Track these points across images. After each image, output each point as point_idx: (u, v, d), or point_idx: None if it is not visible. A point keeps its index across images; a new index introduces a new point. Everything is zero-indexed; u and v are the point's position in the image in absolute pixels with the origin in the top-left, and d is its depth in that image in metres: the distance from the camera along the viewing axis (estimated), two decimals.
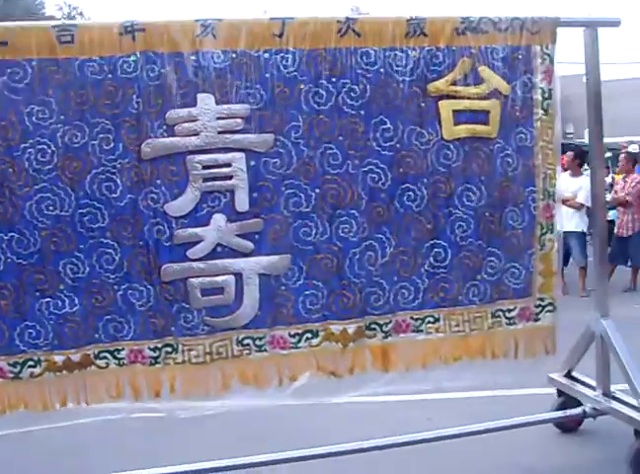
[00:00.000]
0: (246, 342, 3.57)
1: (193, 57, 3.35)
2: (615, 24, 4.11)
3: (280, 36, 3.44)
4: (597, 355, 4.24)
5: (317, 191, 3.54)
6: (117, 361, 3.46)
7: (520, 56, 3.77)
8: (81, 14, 26.36)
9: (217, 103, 3.40)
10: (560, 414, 4.38)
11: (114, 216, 3.35)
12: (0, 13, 23.19)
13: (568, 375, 4.51)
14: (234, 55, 3.39)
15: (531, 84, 3.79)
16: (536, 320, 3.97)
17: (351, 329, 3.67)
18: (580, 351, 4.39)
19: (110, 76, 3.31)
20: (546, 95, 3.83)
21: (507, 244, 3.85)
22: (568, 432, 4.54)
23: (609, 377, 4.24)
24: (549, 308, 3.99)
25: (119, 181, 3.35)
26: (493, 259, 3.85)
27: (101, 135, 3.31)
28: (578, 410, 4.26)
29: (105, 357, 3.45)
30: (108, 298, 3.39)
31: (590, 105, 4.10)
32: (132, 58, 3.31)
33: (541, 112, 3.83)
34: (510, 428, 4.15)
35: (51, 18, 25.61)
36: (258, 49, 3.42)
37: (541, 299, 3.97)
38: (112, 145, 3.33)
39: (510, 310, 3.92)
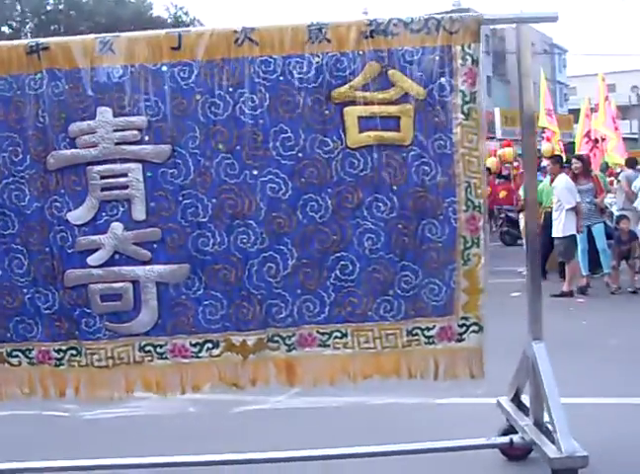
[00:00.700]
0: (147, 348, 3.65)
1: (92, 73, 3.51)
2: (551, 19, 3.73)
3: (178, 48, 3.49)
4: (529, 381, 3.94)
5: (214, 201, 3.55)
6: (28, 360, 3.67)
7: (438, 58, 3.51)
8: (186, 14, 27.17)
9: (115, 115, 3.52)
10: (483, 441, 4.01)
11: (22, 223, 3.57)
12: (110, 16, 24.34)
13: (515, 399, 4.16)
14: (133, 69, 3.50)
15: (451, 87, 3.53)
16: (460, 340, 3.68)
17: (250, 340, 3.63)
18: (522, 374, 4.04)
19: (18, 93, 3.54)
20: (467, 98, 3.54)
21: (424, 258, 3.60)
22: (515, 460, 4.16)
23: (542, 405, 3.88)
24: (474, 328, 3.69)
25: (27, 190, 3.56)
26: (408, 273, 3.61)
27: (10, 148, 3.55)
28: (505, 439, 3.90)
29: (17, 356, 3.68)
30: (17, 300, 3.61)
31: (522, 106, 3.82)
32: (39, 76, 3.53)
33: (461, 116, 3.54)
34: (429, 451, 3.96)
35: (159, 19, 26.62)
36: (156, 63, 3.51)
37: (465, 318, 3.67)
38: (20, 157, 3.56)
39: (428, 328, 3.66)
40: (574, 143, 23.31)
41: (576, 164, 10.71)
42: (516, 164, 27.40)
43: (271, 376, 3.72)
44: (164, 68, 3.50)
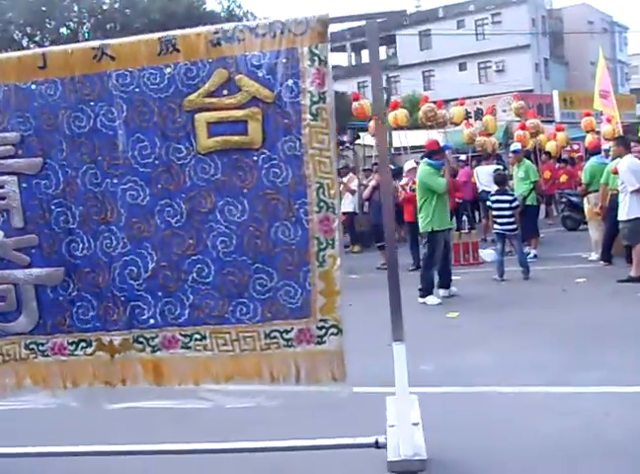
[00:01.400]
0: (31, 346, 3.95)
1: None
2: (400, 14, 3.88)
3: (44, 67, 3.77)
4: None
5: (81, 208, 3.80)
6: None
7: (285, 60, 3.57)
8: (239, 6, 27.32)
9: None
10: (350, 441, 4.06)
11: None
12: (164, 11, 24.62)
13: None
14: (6, 89, 3.80)
15: (298, 89, 3.57)
16: (320, 343, 3.70)
17: (116, 340, 3.84)
18: None
19: None
20: (316, 99, 3.56)
21: (278, 260, 3.65)
22: None
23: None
24: (333, 331, 3.71)
25: None
26: (262, 276, 3.67)
27: None
28: (371, 439, 3.89)
29: None
30: None
31: (375, 103, 3.89)
32: None
33: (309, 117, 3.56)
34: (292, 449, 4.16)
35: (212, 13, 26.83)
36: (26, 82, 3.79)
37: (324, 321, 3.69)
38: None
39: (287, 331, 3.71)
40: (638, 124, 22.79)
41: (635, 147, 10.43)
42: (575, 147, 27.09)
43: (139, 376, 3.89)
44: (33, 86, 3.79)
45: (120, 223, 3.75)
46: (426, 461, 3.50)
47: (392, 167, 18.55)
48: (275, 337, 3.71)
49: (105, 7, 24.66)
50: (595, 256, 11.96)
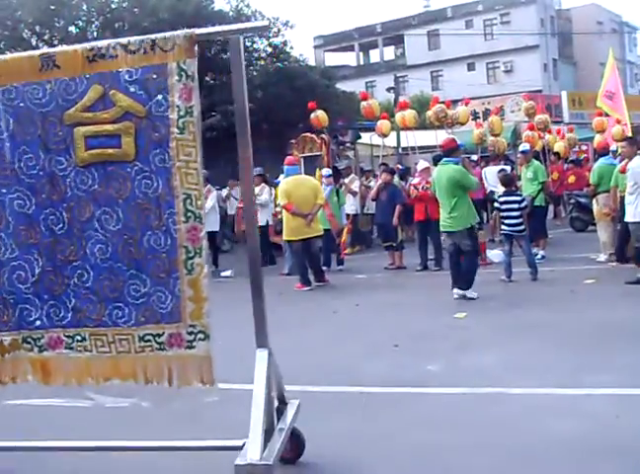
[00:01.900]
0: None
1: None
2: (263, 29, 3.94)
3: None
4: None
5: None
6: None
7: (155, 76, 3.75)
8: (248, 6, 27.24)
9: None
10: (220, 443, 4.15)
11: None
12: (173, 10, 24.60)
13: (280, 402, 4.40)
14: None
15: (167, 103, 3.76)
16: (190, 347, 3.88)
17: (6, 340, 4.09)
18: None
19: None
20: (183, 113, 3.74)
21: (150, 267, 3.87)
22: (290, 463, 4.35)
23: (273, 414, 4.11)
24: (201, 336, 3.86)
25: None
26: (136, 282, 3.88)
27: None
28: (239, 442, 3.86)
29: None
30: None
31: (238, 114, 3.96)
32: None
33: (176, 131, 3.75)
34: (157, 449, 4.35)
35: (220, 13, 26.80)
36: None
37: (193, 326, 3.87)
38: None
39: (159, 335, 3.90)
40: None
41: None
42: (584, 148, 27.00)
43: (28, 374, 4.13)
44: None
45: (8, 230, 4.01)
46: (271, 466, 3.53)
47: (400, 167, 18.56)
48: (148, 340, 3.92)
49: (113, 6, 24.63)
50: (603, 257, 11.91)
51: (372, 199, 14.43)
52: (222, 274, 13.92)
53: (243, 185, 4.33)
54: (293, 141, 17.54)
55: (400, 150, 27.81)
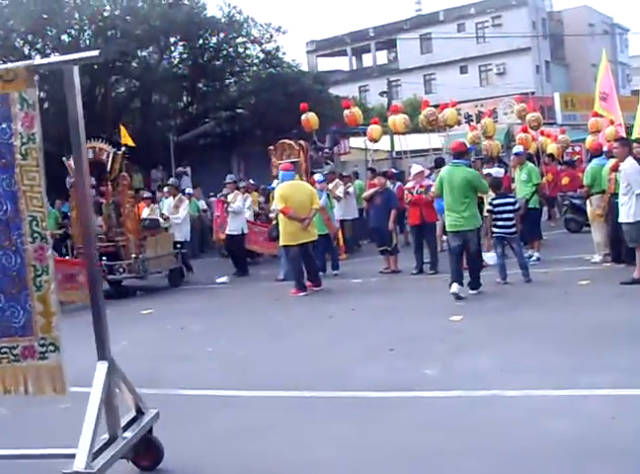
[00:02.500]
0: None
1: None
2: (94, 58, 4.06)
3: None
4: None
5: None
6: None
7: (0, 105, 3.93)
8: (240, 12, 27.26)
9: None
10: (60, 451, 4.25)
11: None
12: (165, 17, 24.62)
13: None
14: None
15: (11, 131, 3.94)
16: (42, 359, 4.12)
17: None
18: None
19: None
20: (25, 140, 3.93)
21: (4, 285, 4.10)
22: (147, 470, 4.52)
23: (118, 421, 4.27)
24: (51, 348, 4.10)
25: None
26: None
27: None
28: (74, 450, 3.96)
29: None
30: None
31: (73, 137, 4.08)
32: None
33: (19, 157, 3.94)
34: None
35: (212, 19, 26.82)
36: None
37: (44, 339, 4.10)
38: None
39: (14, 347, 4.13)
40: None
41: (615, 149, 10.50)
42: (577, 149, 27.07)
43: None
44: None
45: None
46: None
47: (394, 170, 18.58)
48: (5, 352, 4.15)
49: (106, 14, 24.58)
50: (597, 258, 11.93)
51: (366, 200, 14.44)
52: (218, 280, 13.92)
53: (78, 201, 4.64)
54: (272, 148, 17.27)
55: (394, 154, 27.83)
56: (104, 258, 12.27)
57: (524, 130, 18.46)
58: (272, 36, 27.93)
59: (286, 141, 17.00)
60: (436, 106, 18.74)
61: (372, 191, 13.88)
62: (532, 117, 19.34)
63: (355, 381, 6.18)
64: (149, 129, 26.77)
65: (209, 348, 8.01)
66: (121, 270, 12.87)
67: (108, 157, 12.94)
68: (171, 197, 15.89)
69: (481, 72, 54.34)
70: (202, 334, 9.00)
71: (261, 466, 4.52)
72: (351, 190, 16.81)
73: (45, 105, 24.87)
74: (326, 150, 20.26)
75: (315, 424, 5.22)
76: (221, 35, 27.05)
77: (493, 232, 11.06)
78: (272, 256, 16.12)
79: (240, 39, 27.65)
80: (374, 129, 17.97)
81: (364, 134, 19.15)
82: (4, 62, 23.56)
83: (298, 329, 8.86)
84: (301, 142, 16.67)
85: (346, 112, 17.77)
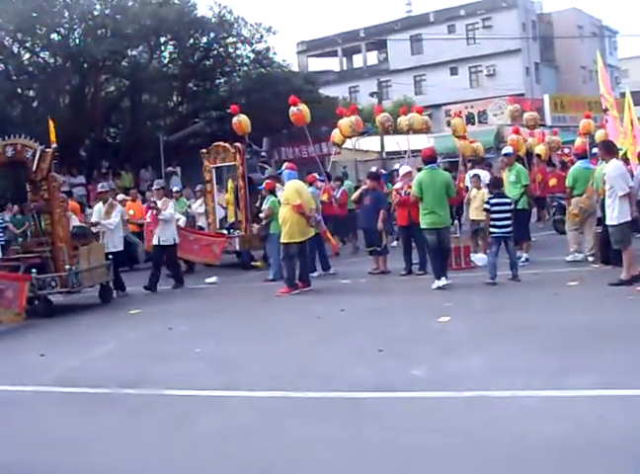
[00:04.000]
0: None
1: None
2: None
3: None
4: None
5: None
6: None
7: None
8: (230, 12, 27.18)
9: None
10: None
11: None
12: (155, 16, 24.53)
13: None
14: None
15: None
16: None
17: None
18: None
19: None
20: None
21: None
22: None
23: None
24: None
25: None
26: None
27: None
28: None
29: None
30: None
31: None
32: None
33: None
34: None
35: (202, 19, 26.75)
36: None
37: None
38: None
39: None
40: None
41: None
42: (567, 151, 27.14)
43: None
44: None
45: None
46: None
47: (383, 171, 18.58)
48: None
49: (96, 13, 24.47)
50: (570, 257, 12.15)
51: (354, 202, 14.47)
52: (207, 280, 13.88)
53: None
54: (204, 151, 16.63)
55: (384, 155, 27.86)
56: (33, 270, 10.93)
57: (516, 132, 18.44)
58: (262, 36, 27.88)
59: (221, 144, 16.40)
60: (425, 107, 18.69)
61: (360, 191, 13.89)
62: (530, 116, 19.37)
63: (343, 382, 6.16)
64: (139, 129, 26.69)
65: (198, 348, 7.98)
66: (53, 284, 11.14)
67: (33, 155, 11.37)
68: (101, 203, 13.62)
69: (471, 73, 54.39)
70: (191, 334, 8.97)
71: (247, 467, 4.51)
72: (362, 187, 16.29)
73: (35, 103, 24.79)
74: (262, 154, 19.45)
75: (303, 424, 5.21)
76: (212, 34, 26.97)
77: (491, 232, 11.04)
78: (206, 265, 15.77)
79: (230, 39, 27.58)
80: (337, 134, 17.56)
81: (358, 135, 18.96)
82: None
83: (287, 329, 8.85)
84: (237, 145, 16.00)
85: (293, 109, 16.72)
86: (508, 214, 10.96)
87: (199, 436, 5.07)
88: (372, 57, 62.34)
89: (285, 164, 12.80)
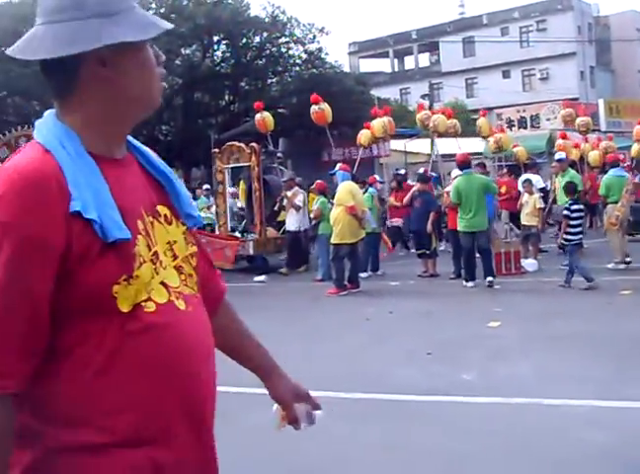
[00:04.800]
0: None
1: None
2: None
3: None
4: None
5: None
6: None
7: None
8: (284, 12, 27.38)
9: None
10: None
11: None
12: (209, 16, 24.81)
13: None
14: None
15: None
16: None
17: None
18: None
19: None
20: None
21: None
22: None
23: None
24: None
25: None
26: None
27: None
28: None
29: None
30: None
31: None
32: None
33: None
34: None
35: (256, 19, 26.95)
36: None
37: None
38: None
39: None
40: None
41: None
42: (622, 157, 26.66)
43: None
44: None
45: None
46: None
47: (433, 174, 18.47)
48: None
49: (151, 12, 24.74)
50: (611, 265, 12.15)
51: (406, 206, 14.42)
52: (256, 279, 13.93)
53: None
54: (216, 150, 16.03)
55: (434, 157, 27.68)
56: None
57: (563, 137, 18.12)
58: (314, 36, 28.01)
59: (235, 144, 15.82)
60: (475, 110, 18.46)
61: (410, 194, 13.86)
62: (582, 121, 19.04)
63: (391, 384, 6.15)
64: (190, 127, 26.99)
65: None
66: None
67: None
68: None
69: (524, 77, 53.83)
70: None
71: (293, 467, 4.52)
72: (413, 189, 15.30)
73: None
74: (278, 155, 18.64)
75: (350, 426, 5.20)
76: (264, 34, 27.16)
77: (567, 240, 10.75)
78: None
79: (283, 39, 27.77)
80: (364, 134, 16.74)
81: (406, 137, 18.88)
82: None
83: (335, 330, 8.85)
84: (253, 145, 15.28)
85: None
86: (581, 221, 11.03)
87: (243, 434, 5.10)
88: (424, 59, 62.09)
89: (339, 165, 12.80)
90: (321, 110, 15.76)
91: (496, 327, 8.23)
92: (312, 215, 13.70)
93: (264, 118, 16.15)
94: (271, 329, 9.19)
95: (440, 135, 17.68)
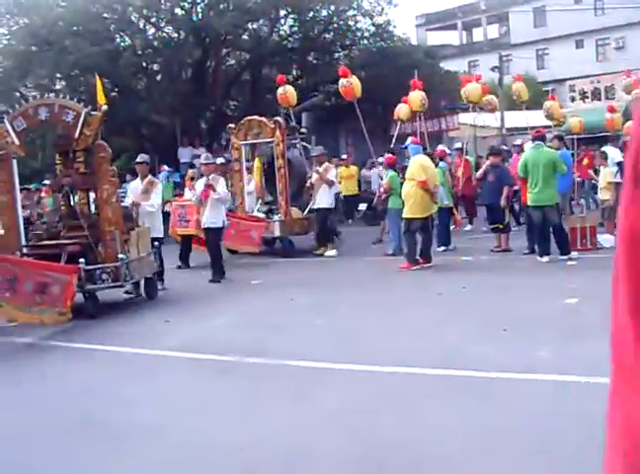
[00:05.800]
0: None
1: None
2: None
3: None
4: None
5: None
6: None
7: None
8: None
9: None
10: None
11: None
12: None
13: None
14: None
15: None
16: None
17: None
18: None
19: None
20: None
21: None
22: None
23: None
24: None
25: None
26: None
27: None
28: None
29: None
30: None
31: None
32: None
33: None
34: None
35: None
36: None
37: None
38: None
39: None
40: None
41: None
42: None
43: None
44: None
45: None
46: None
47: (505, 148, 18.12)
48: None
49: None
50: None
51: (478, 180, 14.20)
52: (327, 253, 13.91)
53: None
54: (232, 126, 15.20)
55: (504, 131, 27.21)
56: (81, 260, 8.95)
57: (611, 110, 16.76)
58: (382, 9, 27.62)
59: (256, 118, 14.80)
60: (546, 82, 17.88)
61: (484, 168, 13.64)
62: (638, 93, 18.24)
63: (466, 360, 6.06)
64: (258, 102, 27.03)
65: (318, 320, 8.04)
66: (104, 276, 9.17)
67: (76, 119, 9.22)
68: (138, 180, 11.47)
69: (598, 46, 52.24)
70: (311, 306, 9.05)
71: (369, 443, 4.49)
72: (487, 163, 14.40)
73: (158, 77, 25.50)
74: (302, 130, 17.68)
75: (425, 402, 5.16)
76: (332, 7, 26.92)
77: None
78: (247, 253, 14.07)
79: (350, 12, 27.45)
80: (402, 108, 16.27)
81: (474, 110, 18.34)
82: (121, 37, 24.30)
83: (408, 305, 8.80)
84: (278, 119, 14.44)
85: (342, 81, 14.95)
86: None
87: (319, 409, 5.11)
88: (493, 31, 60.79)
89: (410, 138, 12.64)
90: (350, 83, 14.85)
91: (574, 303, 8.03)
92: (382, 189, 13.59)
93: (286, 92, 15.67)
94: (343, 302, 9.22)
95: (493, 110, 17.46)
